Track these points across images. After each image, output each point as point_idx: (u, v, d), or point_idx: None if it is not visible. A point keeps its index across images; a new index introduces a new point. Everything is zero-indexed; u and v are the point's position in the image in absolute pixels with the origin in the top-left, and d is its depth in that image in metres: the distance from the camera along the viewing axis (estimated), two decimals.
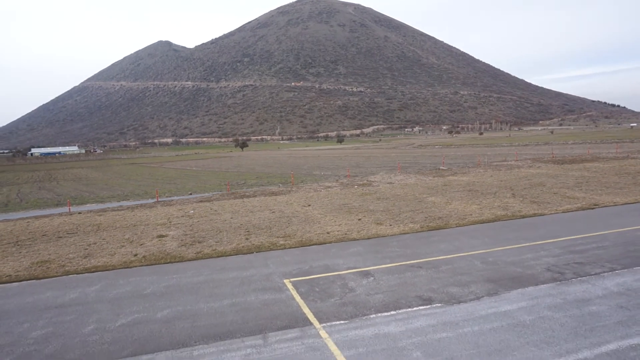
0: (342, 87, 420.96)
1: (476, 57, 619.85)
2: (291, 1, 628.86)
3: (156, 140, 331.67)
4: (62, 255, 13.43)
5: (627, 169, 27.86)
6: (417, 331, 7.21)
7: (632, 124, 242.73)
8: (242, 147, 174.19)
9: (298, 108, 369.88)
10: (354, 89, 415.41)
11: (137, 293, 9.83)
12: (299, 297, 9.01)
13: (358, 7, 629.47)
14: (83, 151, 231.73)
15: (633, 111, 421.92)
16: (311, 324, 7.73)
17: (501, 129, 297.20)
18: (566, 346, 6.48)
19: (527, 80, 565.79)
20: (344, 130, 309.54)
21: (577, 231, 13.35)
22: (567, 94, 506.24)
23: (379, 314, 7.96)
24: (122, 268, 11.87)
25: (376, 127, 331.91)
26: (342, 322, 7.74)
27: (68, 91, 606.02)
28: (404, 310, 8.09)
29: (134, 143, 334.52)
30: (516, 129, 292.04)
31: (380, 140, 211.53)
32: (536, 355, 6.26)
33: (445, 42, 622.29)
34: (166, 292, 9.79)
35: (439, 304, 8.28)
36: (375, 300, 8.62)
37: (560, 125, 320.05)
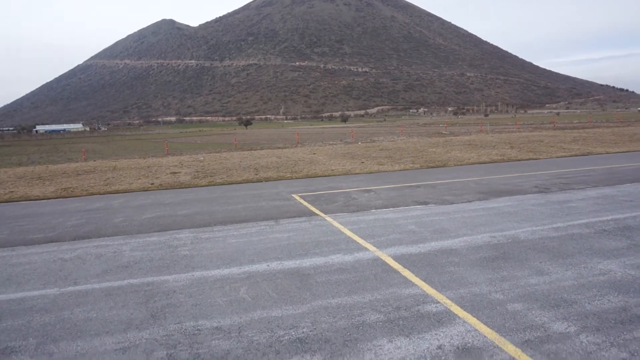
0: (347, 67, 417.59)
1: (483, 38, 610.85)
2: None
3: (160, 119, 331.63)
4: (84, 184, 14.38)
5: (625, 131, 28.48)
6: (413, 217, 8.09)
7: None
8: (246, 125, 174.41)
9: (302, 88, 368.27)
10: (359, 69, 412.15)
11: (158, 202, 10.76)
12: (306, 203, 9.91)
13: None
14: (87, 129, 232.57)
15: None
16: (317, 215, 8.64)
17: (507, 111, 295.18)
18: (543, 221, 7.34)
19: (535, 63, 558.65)
20: (348, 110, 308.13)
21: (567, 167, 14.16)
22: (574, 78, 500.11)
23: (379, 210, 8.84)
24: (141, 191, 12.82)
25: (381, 107, 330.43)
26: (345, 213, 8.64)
27: (72, 69, 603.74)
28: (402, 207, 8.97)
29: (137, 121, 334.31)
30: (522, 111, 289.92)
31: (384, 120, 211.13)
32: (515, 226, 7.13)
33: (452, 22, 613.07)
34: (184, 202, 10.72)
35: (434, 204, 9.15)
36: (375, 204, 9.49)
37: (567, 108, 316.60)
